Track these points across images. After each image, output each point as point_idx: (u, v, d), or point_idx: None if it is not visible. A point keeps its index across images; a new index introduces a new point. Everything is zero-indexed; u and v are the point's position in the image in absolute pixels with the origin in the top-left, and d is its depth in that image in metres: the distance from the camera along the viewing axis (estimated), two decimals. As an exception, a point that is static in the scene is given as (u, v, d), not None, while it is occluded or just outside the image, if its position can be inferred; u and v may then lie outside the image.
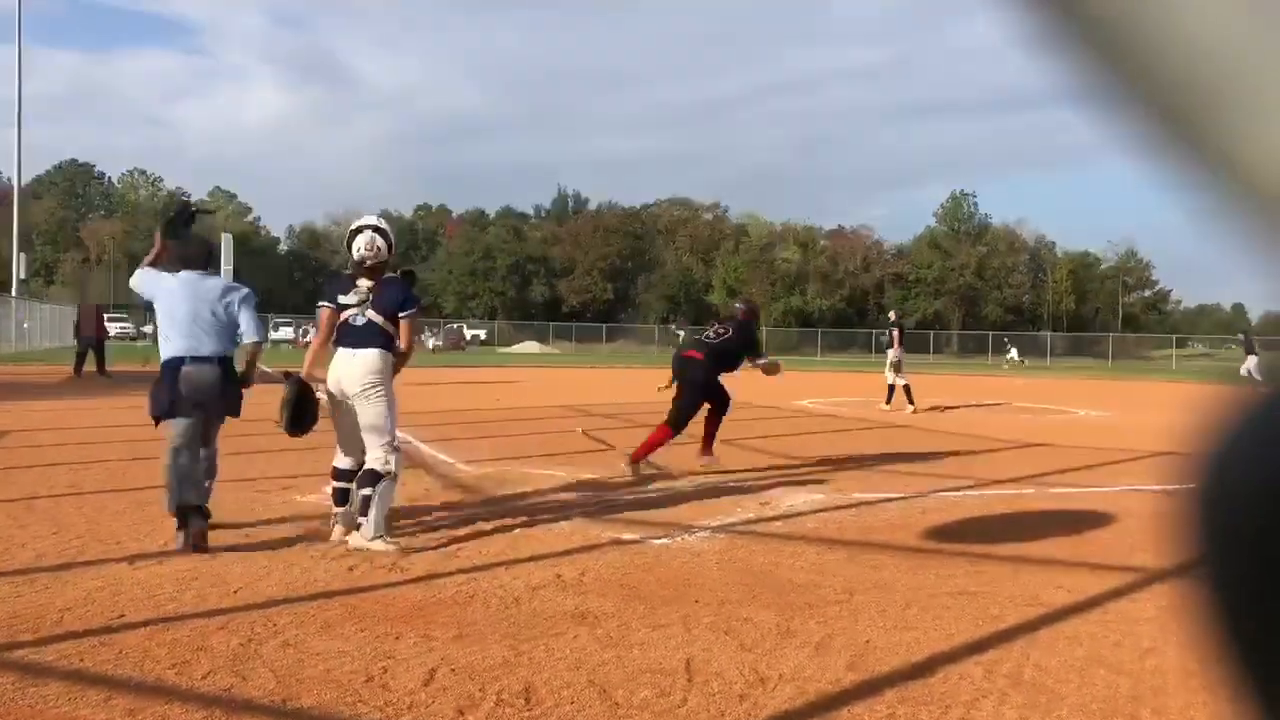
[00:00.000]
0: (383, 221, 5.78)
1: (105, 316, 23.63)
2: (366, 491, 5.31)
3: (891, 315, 17.93)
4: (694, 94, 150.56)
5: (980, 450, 10.60)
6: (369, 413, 5.39)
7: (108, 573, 4.65)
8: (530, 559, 5.11)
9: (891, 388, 16.43)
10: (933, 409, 16.88)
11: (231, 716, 3.04)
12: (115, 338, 23.24)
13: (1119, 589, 4.73)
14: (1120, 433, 13.15)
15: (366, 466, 5.38)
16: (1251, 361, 26.72)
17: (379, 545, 5.18)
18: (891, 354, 16.55)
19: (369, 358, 5.40)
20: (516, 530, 5.81)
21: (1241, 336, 30.15)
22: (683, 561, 5.12)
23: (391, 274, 5.69)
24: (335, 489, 5.49)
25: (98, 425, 11.44)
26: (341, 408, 5.47)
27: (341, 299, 5.48)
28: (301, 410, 5.55)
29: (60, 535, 5.43)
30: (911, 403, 16.16)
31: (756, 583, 4.71)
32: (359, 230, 5.63)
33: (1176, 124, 0.36)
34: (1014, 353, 55.82)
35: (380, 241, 5.58)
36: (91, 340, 22.29)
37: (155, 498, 6.58)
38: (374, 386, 5.39)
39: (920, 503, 7.05)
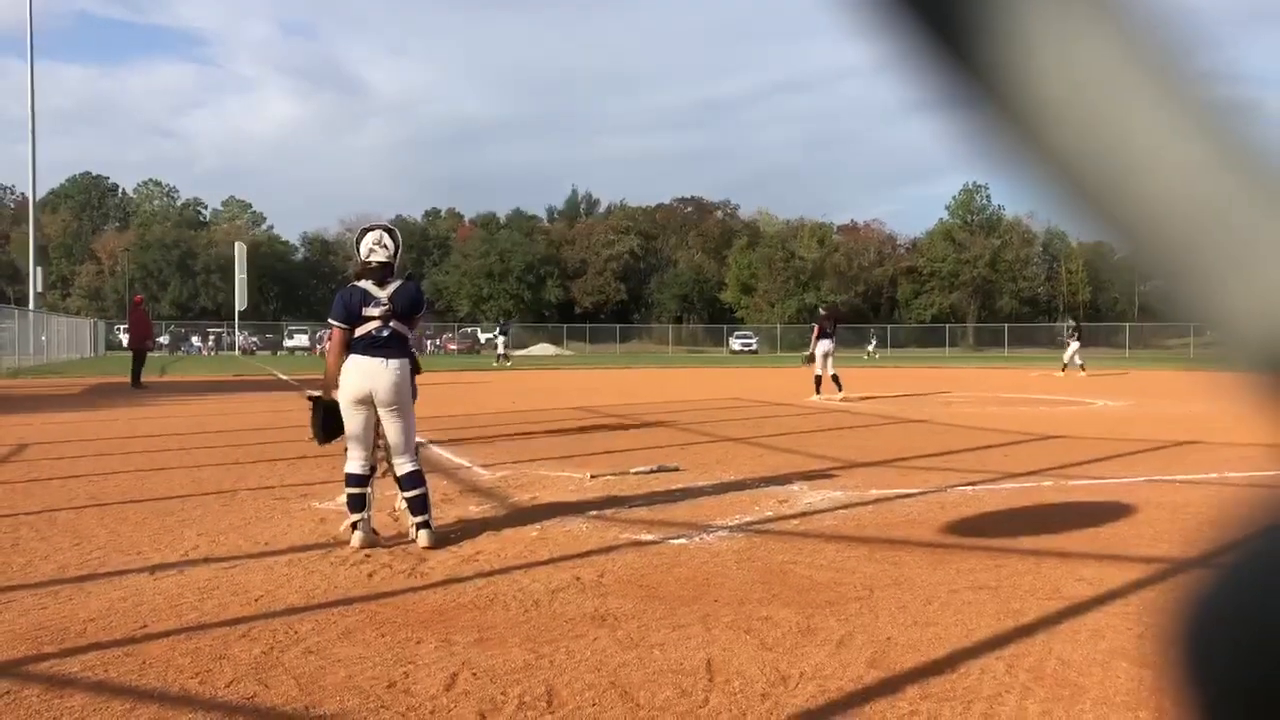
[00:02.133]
0: (391, 225, 5.92)
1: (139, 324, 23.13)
2: (419, 491, 5.56)
3: (821, 310, 19.29)
4: (701, 93, 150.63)
5: (997, 444, 10.56)
6: (402, 424, 5.57)
7: (129, 583, 4.68)
8: (549, 561, 5.11)
9: (818, 379, 17.52)
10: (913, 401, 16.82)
11: (255, 724, 3.05)
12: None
13: (1140, 580, 4.71)
14: (1138, 423, 13.08)
15: (405, 472, 5.52)
16: (1074, 347, 27.99)
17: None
18: (815, 345, 17.65)
19: (404, 369, 5.55)
20: (534, 533, 5.82)
21: (1071, 323, 31.33)
22: (701, 561, 5.12)
23: (399, 280, 5.73)
24: (350, 495, 5.52)
25: (117, 436, 11.52)
26: (362, 413, 5.51)
27: (366, 311, 5.50)
28: (332, 424, 5.68)
29: (82, 546, 5.47)
30: (818, 393, 17.46)
31: (776, 581, 4.71)
32: (368, 230, 5.75)
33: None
34: (873, 344, 59.02)
35: (388, 240, 5.67)
36: (141, 345, 22.27)
37: (176, 508, 6.63)
38: (407, 398, 5.58)
39: (939, 498, 7.03)
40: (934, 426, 12.79)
